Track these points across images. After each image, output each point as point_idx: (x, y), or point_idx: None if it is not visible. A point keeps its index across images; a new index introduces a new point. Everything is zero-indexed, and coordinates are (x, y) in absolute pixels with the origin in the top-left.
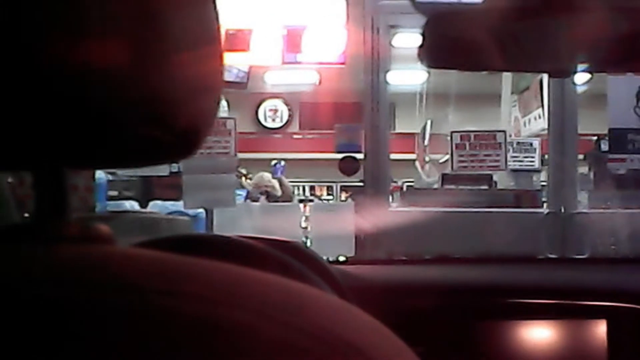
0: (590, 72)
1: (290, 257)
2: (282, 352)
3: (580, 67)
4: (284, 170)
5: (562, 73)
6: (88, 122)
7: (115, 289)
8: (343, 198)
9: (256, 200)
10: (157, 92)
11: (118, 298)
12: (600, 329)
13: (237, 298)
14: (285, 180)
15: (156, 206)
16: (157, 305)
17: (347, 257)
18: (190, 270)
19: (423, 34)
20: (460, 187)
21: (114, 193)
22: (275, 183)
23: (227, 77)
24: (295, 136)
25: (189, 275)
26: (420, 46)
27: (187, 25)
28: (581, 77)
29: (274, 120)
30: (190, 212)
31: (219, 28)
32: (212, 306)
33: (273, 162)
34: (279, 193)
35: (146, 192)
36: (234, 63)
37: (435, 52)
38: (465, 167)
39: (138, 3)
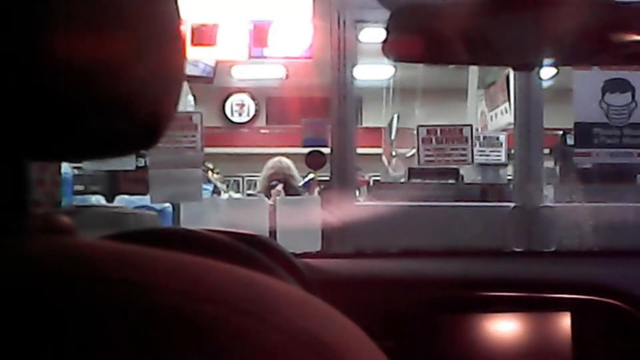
0: (555, 66)
1: (256, 251)
2: (247, 343)
3: (545, 61)
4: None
5: (527, 67)
6: (50, 113)
7: (81, 280)
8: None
9: (273, 188)
10: (119, 83)
11: (84, 289)
12: (565, 321)
13: (203, 289)
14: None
15: (123, 200)
16: (123, 296)
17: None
18: (156, 261)
19: (387, 28)
20: (427, 181)
21: (80, 187)
22: (296, 171)
23: (194, 71)
24: (262, 131)
25: (154, 267)
26: (385, 40)
27: (149, 18)
28: (547, 72)
29: (240, 114)
30: (157, 206)
31: (180, 19)
32: (178, 297)
33: (308, 177)
34: (300, 182)
35: (112, 186)
36: (200, 57)
37: (400, 46)
38: (432, 161)
39: None
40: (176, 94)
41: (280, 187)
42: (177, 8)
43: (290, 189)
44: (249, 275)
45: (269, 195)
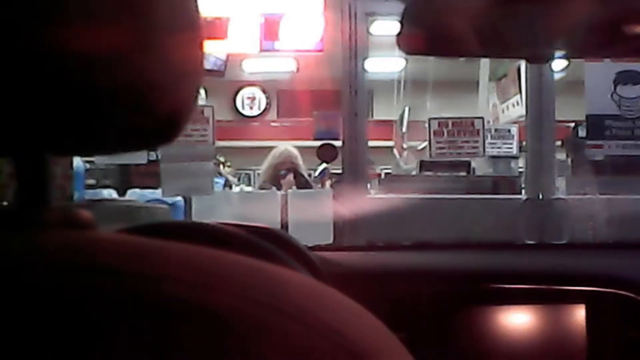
0: (567, 58)
1: (269, 244)
2: (263, 333)
3: (558, 53)
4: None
5: (539, 59)
6: (70, 108)
7: (101, 274)
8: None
9: (282, 178)
10: (139, 78)
11: (104, 282)
12: (579, 313)
13: (218, 281)
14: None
15: (134, 194)
16: (141, 290)
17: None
18: (172, 255)
19: (401, 21)
20: (439, 173)
21: (91, 181)
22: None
23: (205, 65)
24: (273, 124)
25: (170, 260)
26: (399, 33)
27: (168, 11)
28: (559, 64)
29: (251, 108)
30: (169, 200)
31: (199, 15)
32: (193, 289)
33: (321, 168)
34: (316, 172)
35: (124, 180)
36: (211, 51)
37: (413, 39)
38: (443, 153)
39: None
40: (195, 88)
41: (291, 176)
42: (195, 1)
43: (299, 179)
44: (263, 266)
45: (277, 185)
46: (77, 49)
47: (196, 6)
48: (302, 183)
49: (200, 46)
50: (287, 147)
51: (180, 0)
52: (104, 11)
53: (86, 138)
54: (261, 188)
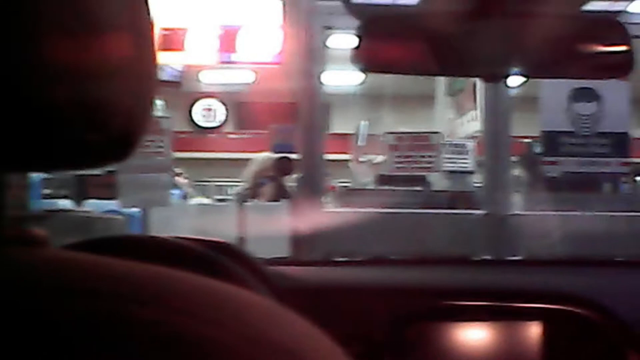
0: (524, 77)
1: (224, 258)
2: (211, 352)
3: (514, 72)
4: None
5: (495, 78)
6: (22, 124)
7: (50, 292)
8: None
9: (262, 186)
10: (92, 93)
11: (53, 301)
12: (535, 330)
13: (166, 299)
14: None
15: (91, 205)
16: (89, 307)
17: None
18: (122, 272)
19: (359, 37)
20: (396, 188)
21: (48, 191)
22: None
23: (161, 76)
24: (230, 136)
25: (120, 277)
26: (356, 48)
27: (120, 24)
28: (514, 80)
29: (207, 119)
30: (125, 211)
31: (152, 27)
32: (142, 307)
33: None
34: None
35: (81, 190)
36: (168, 62)
37: (371, 55)
38: (400, 168)
39: (72, 1)
40: (150, 103)
41: (271, 186)
42: (149, 13)
43: (280, 188)
44: (213, 284)
45: (256, 194)
46: (30, 64)
47: (149, 16)
48: (282, 193)
49: (154, 58)
50: (269, 154)
51: (134, 11)
52: (56, 25)
53: (40, 155)
54: (240, 195)
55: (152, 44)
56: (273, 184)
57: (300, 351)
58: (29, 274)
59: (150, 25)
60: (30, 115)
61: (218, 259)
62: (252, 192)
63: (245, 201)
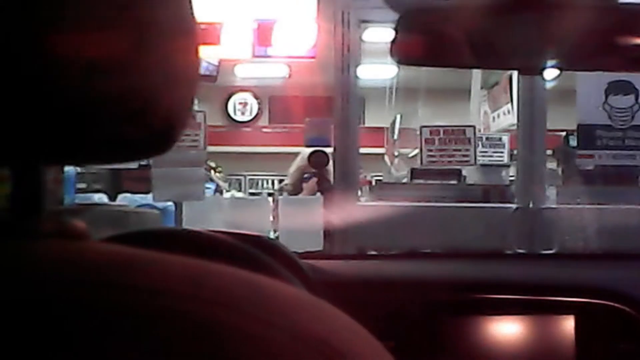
0: (560, 69)
1: (259, 252)
2: (250, 345)
3: (550, 64)
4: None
5: (531, 70)
6: (65, 118)
7: (91, 286)
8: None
9: (306, 181)
10: (135, 87)
11: (98, 295)
12: (568, 325)
13: (211, 293)
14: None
15: (125, 199)
16: (134, 302)
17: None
18: (164, 266)
19: (396, 30)
20: (430, 181)
21: (82, 185)
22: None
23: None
24: (264, 130)
25: (162, 271)
26: (392, 42)
27: (164, 18)
28: (550, 73)
29: (243, 113)
30: (160, 205)
31: (195, 21)
32: (187, 301)
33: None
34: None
35: (115, 184)
36: (204, 56)
37: (407, 49)
38: (434, 161)
39: None
40: (191, 96)
41: (313, 181)
42: (192, 11)
43: (324, 183)
44: (255, 278)
45: (300, 189)
46: (72, 57)
47: (192, 12)
48: (326, 188)
49: (196, 53)
50: (316, 149)
51: (177, 7)
52: (100, 19)
53: (81, 148)
54: (283, 190)
55: (195, 41)
56: (315, 178)
57: (341, 346)
58: (71, 267)
59: (193, 22)
60: (72, 109)
61: (252, 252)
62: (296, 187)
63: (282, 195)
